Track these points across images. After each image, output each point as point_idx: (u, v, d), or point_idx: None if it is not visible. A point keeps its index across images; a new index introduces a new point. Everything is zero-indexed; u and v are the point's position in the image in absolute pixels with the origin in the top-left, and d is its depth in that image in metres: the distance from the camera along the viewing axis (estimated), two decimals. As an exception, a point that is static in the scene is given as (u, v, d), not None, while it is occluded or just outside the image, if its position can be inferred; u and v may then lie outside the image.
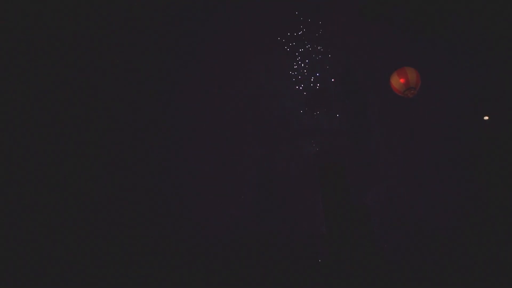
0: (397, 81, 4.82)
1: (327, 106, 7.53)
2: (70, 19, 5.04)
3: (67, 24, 5.06)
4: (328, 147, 7.31)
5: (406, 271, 7.35)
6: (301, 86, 7.56)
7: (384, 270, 6.63)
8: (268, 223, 7.09)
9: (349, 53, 7.16)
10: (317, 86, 7.52)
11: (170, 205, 6.34)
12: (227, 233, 6.42)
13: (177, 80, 6.37)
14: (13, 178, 5.03)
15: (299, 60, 7.57)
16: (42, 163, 5.28)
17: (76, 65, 5.30)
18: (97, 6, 5.14)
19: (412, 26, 6.58)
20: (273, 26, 6.88)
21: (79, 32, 5.15)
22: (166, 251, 5.72)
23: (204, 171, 6.85)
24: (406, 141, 7.25)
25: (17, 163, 5.09)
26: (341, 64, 7.43)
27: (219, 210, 6.68)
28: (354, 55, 7.08)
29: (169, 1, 5.67)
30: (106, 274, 5.16)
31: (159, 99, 6.27)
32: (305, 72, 7.60)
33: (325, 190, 6.27)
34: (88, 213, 5.40)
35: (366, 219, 8.18)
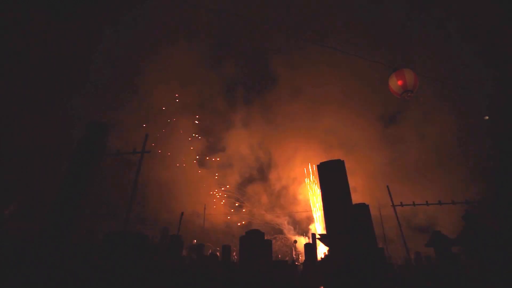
0: (395, 83, 4.85)
1: None
2: None
3: None
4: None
5: (407, 272, 7.37)
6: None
7: (384, 270, 6.66)
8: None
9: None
10: None
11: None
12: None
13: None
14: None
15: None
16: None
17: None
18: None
19: (411, 26, 6.58)
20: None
21: None
22: None
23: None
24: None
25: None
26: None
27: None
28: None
29: None
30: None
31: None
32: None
33: (325, 190, 6.28)
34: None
35: (366, 219, 8.20)
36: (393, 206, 9.52)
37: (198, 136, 34.52)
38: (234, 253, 22.35)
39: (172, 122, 33.08)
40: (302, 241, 25.88)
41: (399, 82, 4.79)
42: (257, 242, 8.03)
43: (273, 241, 25.99)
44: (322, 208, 5.90)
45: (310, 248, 14.68)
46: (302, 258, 20.34)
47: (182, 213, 11.93)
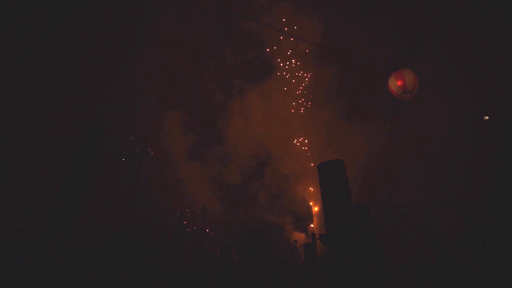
0: (395, 84, 4.83)
1: None
2: None
3: None
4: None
5: (405, 271, 7.35)
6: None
7: (383, 269, 6.66)
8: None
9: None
10: None
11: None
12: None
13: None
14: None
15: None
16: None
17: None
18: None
19: (410, 27, 6.58)
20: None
21: None
22: None
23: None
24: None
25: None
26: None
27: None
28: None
29: None
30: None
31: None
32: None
33: (325, 190, 6.29)
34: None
35: (366, 219, 8.21)
36: (393, 206, 9.52)
37: (195, 132, 34.36)
38: (234, 253, 22.36)
39: (167, 119, 32.97)
40: (302, 240, 25.86)
41: (399, 83, 4.77)
42: (257, 242, 8.04)
43: (273, 241, 25.87)
44: (322, 208, 5.91)
45: (310, 248, 14.69)
46: (302, 258, 20.32)
47: (182, 214, 11.93)
